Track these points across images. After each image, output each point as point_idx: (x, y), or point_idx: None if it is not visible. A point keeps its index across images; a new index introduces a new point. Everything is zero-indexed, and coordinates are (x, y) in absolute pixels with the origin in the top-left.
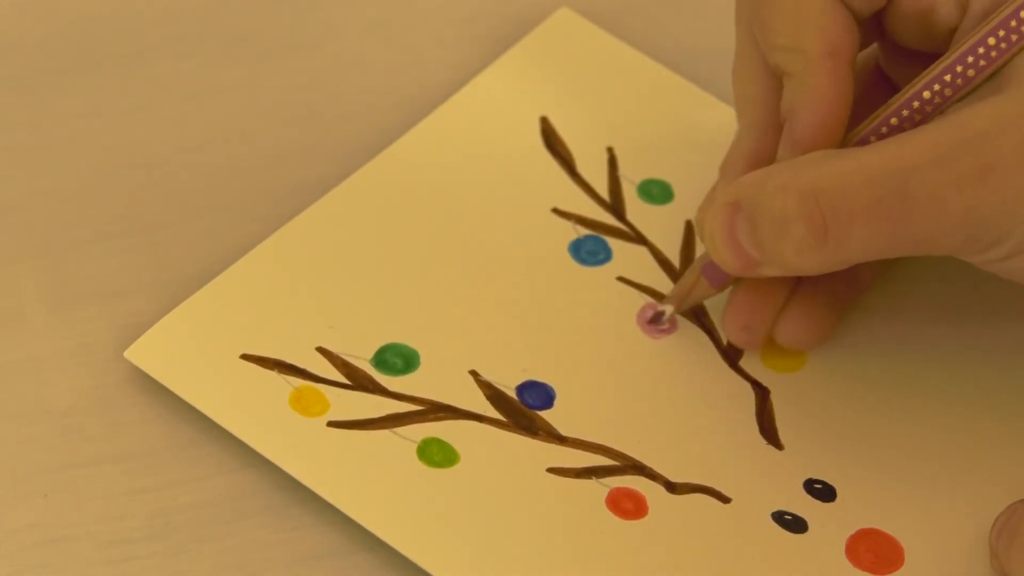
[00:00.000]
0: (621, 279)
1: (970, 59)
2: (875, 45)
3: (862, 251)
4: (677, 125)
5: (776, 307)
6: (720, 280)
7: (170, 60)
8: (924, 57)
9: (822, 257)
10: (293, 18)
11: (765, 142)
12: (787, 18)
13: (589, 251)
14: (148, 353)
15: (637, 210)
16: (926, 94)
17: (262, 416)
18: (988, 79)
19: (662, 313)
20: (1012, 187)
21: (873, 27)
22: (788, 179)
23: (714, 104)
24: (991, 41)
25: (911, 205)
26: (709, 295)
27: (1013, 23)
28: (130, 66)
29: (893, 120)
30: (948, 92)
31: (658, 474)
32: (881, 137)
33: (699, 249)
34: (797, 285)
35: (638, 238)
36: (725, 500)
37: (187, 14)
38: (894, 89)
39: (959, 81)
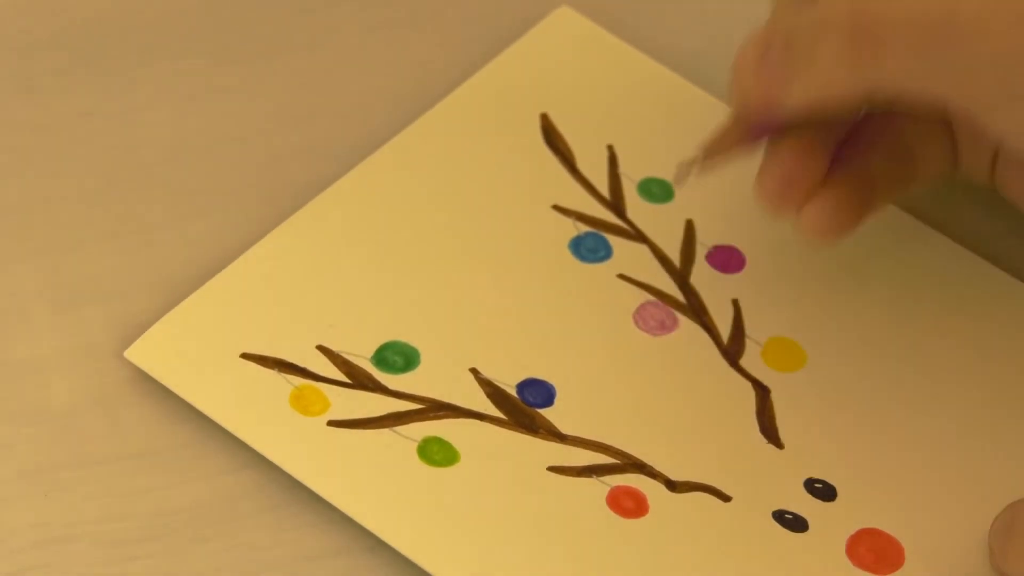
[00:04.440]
0: (621, 276)
1: None
2: None
3: (896, 75)
4: (677, 124)
5: (818, 168)
6: (755, 132)
7: (170, 60)
8: None
9: (856, 73)
10: (293, 18)
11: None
12: None
13: (589, 248)
14: (148, 353)
15: (637, 208)
16: None
17: (262, 415)
18: None
19: (689, 166)
20: None
21: None
22: None
23: (714, 104)
24: None
25: (956, 31)
26: (740, 144)
27: None
28: (130, 66)
29: None
30: None
31: (659, 472)
32: None
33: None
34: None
35: (638, 236)
36: (726, 499)
37: (187, 14)
38: None
39: None
